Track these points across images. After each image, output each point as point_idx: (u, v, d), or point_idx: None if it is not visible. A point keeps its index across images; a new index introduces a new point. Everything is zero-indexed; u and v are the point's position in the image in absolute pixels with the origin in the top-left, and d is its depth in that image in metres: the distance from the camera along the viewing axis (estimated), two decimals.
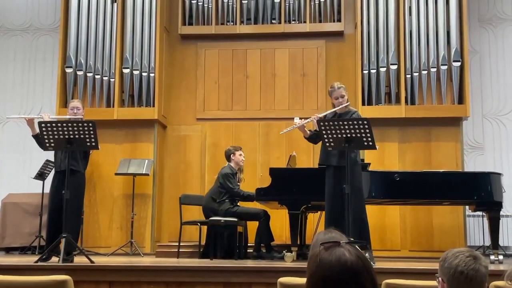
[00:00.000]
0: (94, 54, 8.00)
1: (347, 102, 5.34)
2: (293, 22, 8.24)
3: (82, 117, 5.64)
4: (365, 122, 4.96)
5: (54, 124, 5.12)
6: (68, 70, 7.91)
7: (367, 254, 5.03)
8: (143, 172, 7.50)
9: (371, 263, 4.88)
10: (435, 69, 7.54)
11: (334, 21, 8.23)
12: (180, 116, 8.34)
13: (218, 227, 6.40)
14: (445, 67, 7.50)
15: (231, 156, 6.77)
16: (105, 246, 7.58)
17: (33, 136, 5.57)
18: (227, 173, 6.61)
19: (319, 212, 6.58)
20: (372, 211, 6.51)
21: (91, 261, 4.87)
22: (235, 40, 8.36)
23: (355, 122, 4.94)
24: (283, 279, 2.87)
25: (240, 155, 6.78)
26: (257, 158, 7.97)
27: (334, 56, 8.24)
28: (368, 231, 5.24)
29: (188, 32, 8.39)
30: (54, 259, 5.13)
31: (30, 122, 5.55)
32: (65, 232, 5.00)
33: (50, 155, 6.57)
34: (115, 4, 8.10)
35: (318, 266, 1.39)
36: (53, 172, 5.89)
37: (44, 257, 5.05)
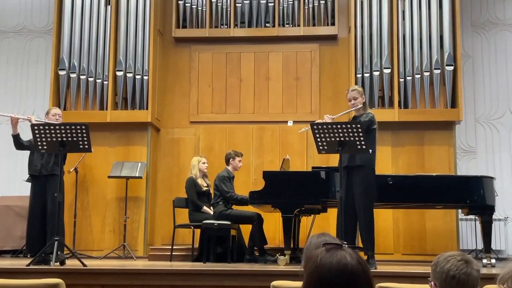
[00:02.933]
0: (88, 56, 7.97)
1: (360, 105, 5.39)
2: (287, 25, 8.24)
3: None
4: (358, 126, 4.98)
5: (47, 127, 5.11)
6: (61, 73, 7.88)
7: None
8: (136, 175, 7.49)
9: (374, 267, 4.91)
10: (428, 73, 7.57)
11: (327, 25, 8.24)
12: (173, 119, 8.33)
13: (211, 230, 6.39)
14: (438, 71, 7.53)
15: (230, 160, 6.77)
16: (98, 249, 7.55)
17: (12, 135, 5.93)
18: (224, 176, 6.63)
19: (312, 215, 6.58)
20: None
21: (84, 264, 4.85)
22: (229, 43, 8.35)
23: (349, 126, 4.97)
24: (277, 283, 2.88)
25: (239, 161, 6.79)
26: (251, 161, 7.96)
27: (327, 59, 8.25)
28: (372, 237, 5.24)
29: (182, 35, 8.37)
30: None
31: (14, 121, 5.85)
32: (58, 235, 5.03)
33: None
34: (108, 7, 8.08)
35: (318, 266, 1.40)
36: None
37: (37, 260, 5.03)
